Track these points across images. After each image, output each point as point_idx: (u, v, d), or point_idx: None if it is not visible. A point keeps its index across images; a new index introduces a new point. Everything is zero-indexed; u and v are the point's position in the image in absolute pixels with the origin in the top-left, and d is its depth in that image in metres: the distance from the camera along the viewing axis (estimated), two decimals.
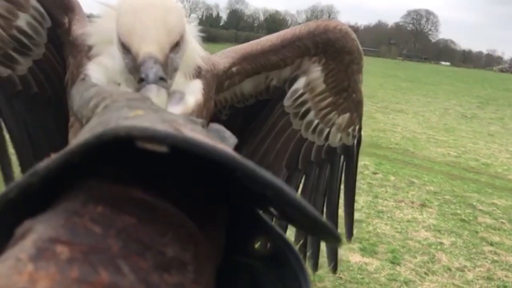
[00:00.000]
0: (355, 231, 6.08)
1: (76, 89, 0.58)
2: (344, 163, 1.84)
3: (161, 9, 0.92)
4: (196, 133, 0.29)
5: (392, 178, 8.31)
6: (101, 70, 1.15)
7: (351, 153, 1.81)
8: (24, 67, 1.40)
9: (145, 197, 0.29)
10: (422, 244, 5.58)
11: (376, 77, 29.29)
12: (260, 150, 1.76)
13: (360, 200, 6.83)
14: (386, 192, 7.56)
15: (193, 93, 1.24)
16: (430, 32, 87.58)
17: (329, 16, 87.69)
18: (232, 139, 0.47)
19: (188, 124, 0.33)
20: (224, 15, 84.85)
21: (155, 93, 0.82)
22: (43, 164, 0.28)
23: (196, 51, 1.23)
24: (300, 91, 1.69)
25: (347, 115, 1.74)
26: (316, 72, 1.65)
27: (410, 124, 14.12)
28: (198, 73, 1.28)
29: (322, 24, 1.58)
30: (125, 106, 0.38)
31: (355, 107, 1.76)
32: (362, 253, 5.23)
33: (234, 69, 1.52)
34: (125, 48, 0.93)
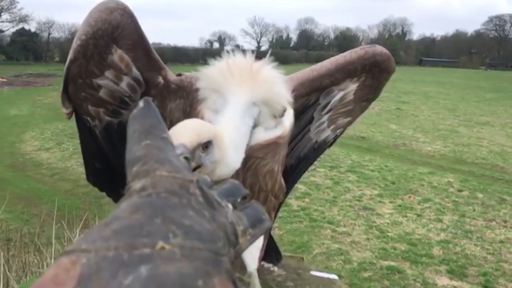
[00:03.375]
0: (440, 252, 5.79)
1: (132, 126, 0.57)
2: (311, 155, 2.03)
3: (196, 121, 1.26)
4: None
5: (480, 195, 7.78)
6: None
7: (322, 149, 2.03)
8: (128, 116, 1.72)
9: None
10: None
11: (457, 89, 27.79)
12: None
13: (445, 219, 6.48)
14: (474, 210, 7.10)
15: (287, 116, 1.56)
16: None
17: (402, 29, 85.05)
18: (268, 223, 0.53)
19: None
20: (294, 36, 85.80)
21: None
22: None
23: (282, 95, 1.50)
24: (335, 104, 1.90)
25: (348, 119, 1.96)
26: (352, 86, 1.87)
27: (498, 137, 13.16)
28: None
29: (370, 50, 1.83)
30: (159, 215, 0.40)
31: (360, 113, 1.98)
32: (450, 276, 4.93)
33: (292, 94, 1.73)
34: None
